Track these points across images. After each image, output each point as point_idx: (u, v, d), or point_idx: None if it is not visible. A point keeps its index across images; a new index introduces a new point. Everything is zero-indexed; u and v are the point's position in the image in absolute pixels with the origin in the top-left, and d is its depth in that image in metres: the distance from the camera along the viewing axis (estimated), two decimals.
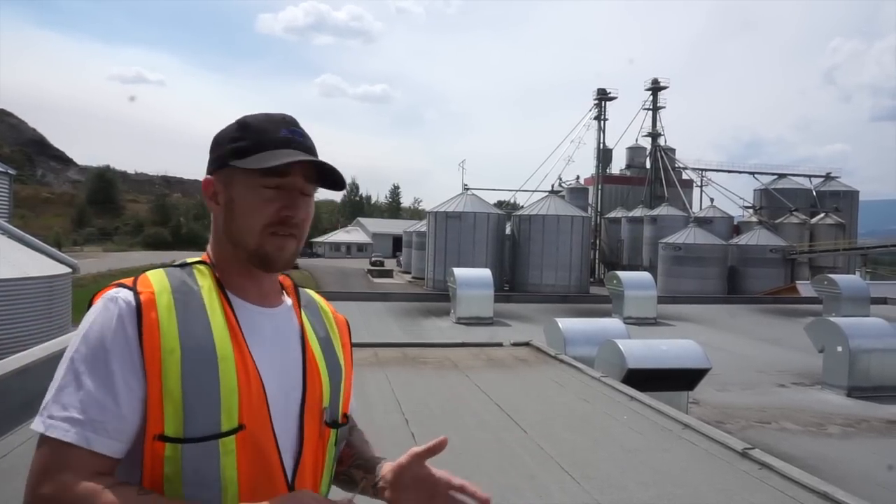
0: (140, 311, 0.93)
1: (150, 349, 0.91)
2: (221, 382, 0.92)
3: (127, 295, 0.95)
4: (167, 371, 0.90)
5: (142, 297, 0.94)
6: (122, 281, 0.99)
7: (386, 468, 1.11)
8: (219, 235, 1.05)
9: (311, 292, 1.22)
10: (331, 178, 1.04)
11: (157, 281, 0.98)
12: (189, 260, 1.06)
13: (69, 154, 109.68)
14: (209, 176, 1.05)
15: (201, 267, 1.04)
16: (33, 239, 10.93)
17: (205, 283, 1.01)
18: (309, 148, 1.03)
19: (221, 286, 1.02)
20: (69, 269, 10.52)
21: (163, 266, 1.04)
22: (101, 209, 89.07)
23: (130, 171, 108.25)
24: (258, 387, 0.96)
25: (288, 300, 1.10)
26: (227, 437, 0.91)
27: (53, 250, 11.29)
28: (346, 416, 1.12)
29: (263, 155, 0.99)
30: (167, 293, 0.96)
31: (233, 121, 1.07)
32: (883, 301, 20.40)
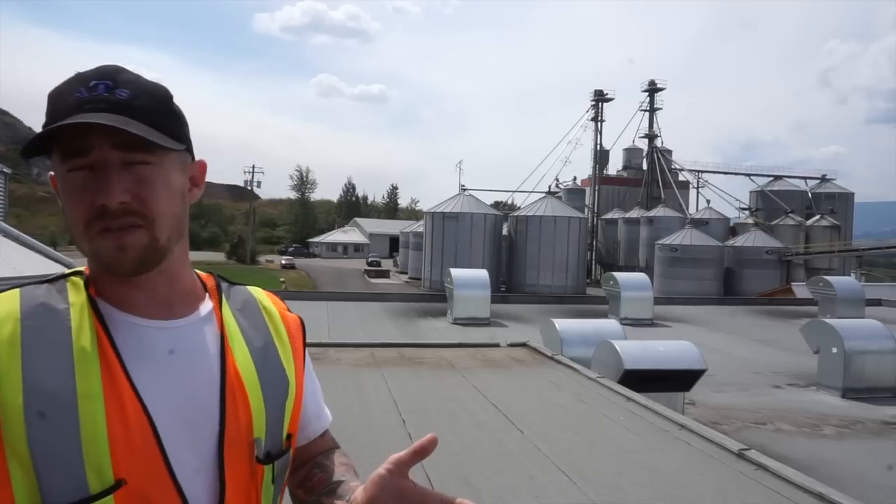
0: None
1: None
2: (83, 429, 0.70)
3: None
4: (8, 425, 0.69)
5: None
6: None
7: (358, 489, 0.83)
8: None
9: (254, 289, 0.97)
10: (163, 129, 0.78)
11: (1, 307, 0.75)
12: (67, 271, 0.83)
13: None
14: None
15: (76, 279, 0.81)
16: (29, 238, 10.91)
17: (77, 299, 0.78)
18: (119, 103, 0.75)
19: (93, 301, 0.78)
20: (65, 269, 10.49)
21: (33, 282, 0.81)
22: None
23: None
24: (142, 427, 0.73)
25: (207, 305, 0.87)
26: (101, 499, 0.70)
27: (49, 249, 11.27)
28: (289, 437, 0.88)
29: (42, 132, 0.75)
30: (12, 322, 0.73)
31: None
32: (878, 303, 20.51)
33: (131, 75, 0.80)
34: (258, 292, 0.96)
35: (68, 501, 0.69)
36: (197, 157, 0.89)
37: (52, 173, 0.80)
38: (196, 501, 0.76)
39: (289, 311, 0.98)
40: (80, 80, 0.77)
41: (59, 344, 0.73)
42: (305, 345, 0.98)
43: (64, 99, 0.76)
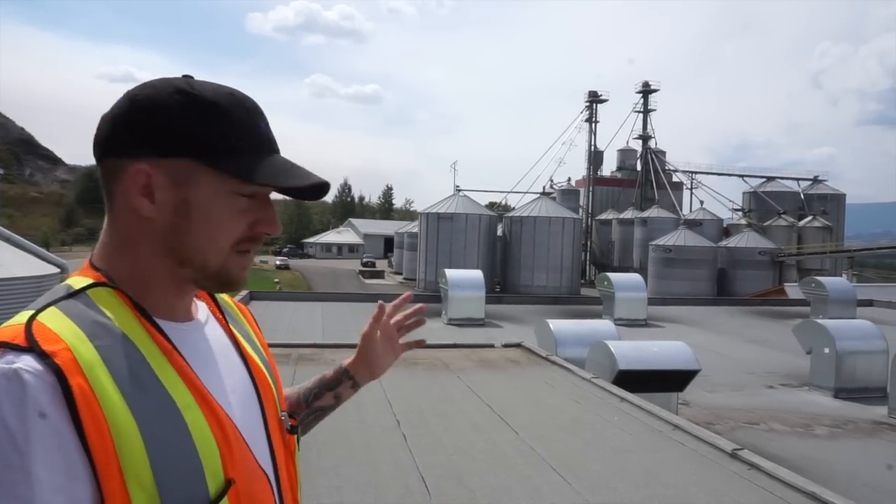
0: (65, 381, 0.64)
1: (94, 429, 0.64)
2: (196, 438, 0.71)
3: (30, 362, 0.64)
4: (124, 450, 0.65)
5: (58, 360, 0.64)
6: (4, 338, 0.66)
7: (350, 360, 1.17)
8: (141, 246, 0.77)
9: None
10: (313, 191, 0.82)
11: (61, 328, 0.68)
12: (75, 285, 0.75)
13: (57, 153, 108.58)
14: (141, 163, 0.75)
15: (100, 291, 0.75)
16: (21, 239, 10.83)
17: (116, 312, 0.73)
18: (275, 143, 0.83)
19: (143, 313, 0.76)
20: (57, 270, 10.43)
21: (57, 299, 0.73)
22: (90, 209, 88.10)
23: None
24: (232, 427, 0.76)
25: (202, 303, 0.90)
26: (219, 502, 0.72)
27: (41, 250, 11.19)
28: (292, 415, 1.00)
29: (251, 159, 0.76)
30: (84, 343, 0.67)
31: (164, 82, 0.77)
32: (869, 303, 20.64)
33: None
34: None
35: None
36: None
37: (139, 163, 0.75)
38: (273, 481, 0.84)
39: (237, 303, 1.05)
40: (251, 109, 0.80)
41: (134, 359, 0.71)
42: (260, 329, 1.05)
43: (248, 129, 0.78)
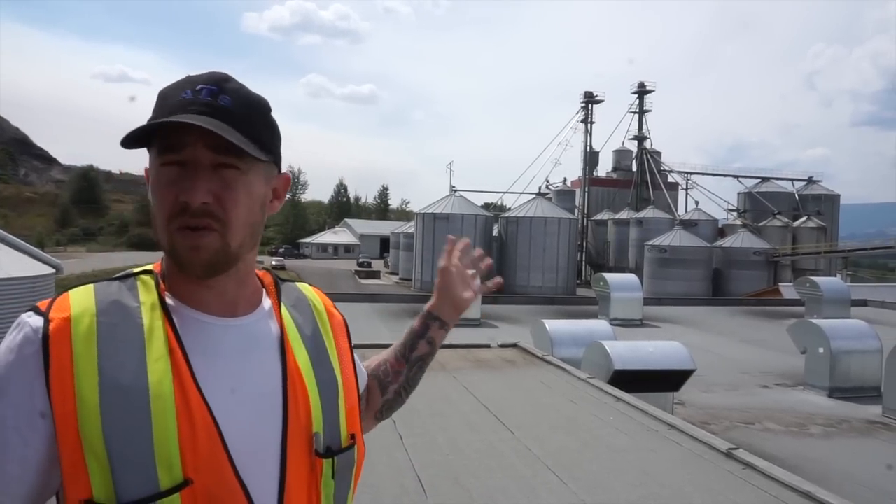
0: (47, 344, 0.72)
1: (60, 393, 0.71)
2: (155, 427, 0.72)
3: (36, 321, 0.75)
4: (84, 420, 0.71)
5: (51, 326, 0.73)
6: (47, 301, 0.78)
7: (430, 302, 1.17)
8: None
9: (304, 286, 1.01)
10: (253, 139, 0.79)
11: (78, 301, 0.77)
12: (135, 269, 0.84)
13: (52, 153, 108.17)
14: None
15: (146, 278, 0.82)
16: (15, 239, 10.78)
17: (148, 298, 0.79)
18: (220, 108, 0.78)
19: (163, 301, 0.80)
20: (52, 270, 10.39)
21: (104, 279, 0.82)
22: (85, 209, 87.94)
23: (115, 170, 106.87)
24: (207, 427, 0.75)
25: (266, 302, 0.90)
26: (169, 496, 0.72)
27: (36, 250, 11.14)
28: (352, 437, 0.91)
29: (146, 125, 0.77)
30: (89, 317, 0.75)
31: None
32: (863, 303, 20.74)
33: (236, 84, 0.82)
34: (308, 290, 1.00)
35: (140, 496, 0.71)
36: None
37: (146, 166, 0.82)
38: (260, 497, 0.78)
39: (334, 307, 1.02)
40: (188, 82, 0.80)
41: (132, 341, 0.75)
42: (351, 344, 1.01)
43: (170, 98, 0.79)
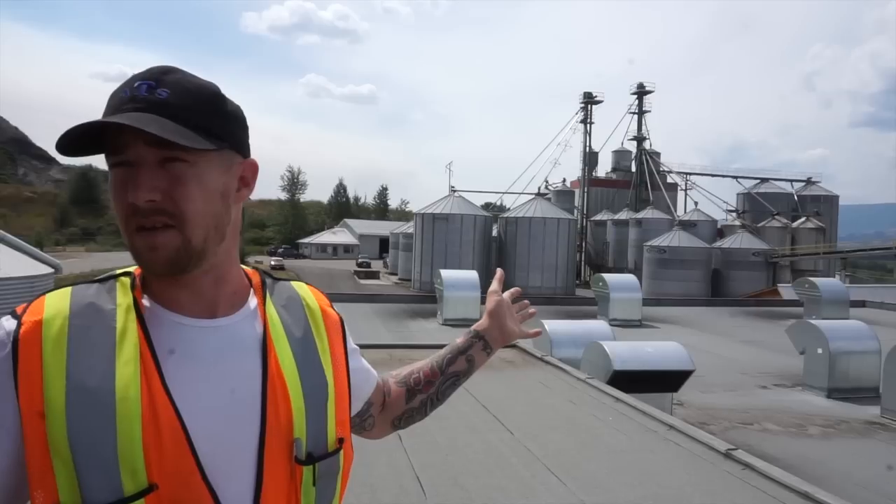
0: (17, 348, 0.73)
1: (27, 395, 0.72)
2: (119, 431, 0.71)
3: (10, 325, 0.75)
4: (52, 423, 0.71)
5: (22, 329, 0.74)
6: (25, 304, 0.79)
7: (479, 323, 1.20)
8: None
9: (299, 285, 0.97)
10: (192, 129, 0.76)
11: (52, 304, 0.77)
12: (118, 271, 0.83)
13: (51, 153, 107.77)
14: None
15: (124, 279, 0.81)
16: (14, 239, 10.78)
17: (123, 300, 0.79)
18: (156, 102, 0.75)
19: (136, 303, 0.79)
20: (51, 270, 10.39)
21: (84, 282, 0.82)
22: (84, 209, 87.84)
23: None
24: (174, 431, 0.73)
25: (252, 302, 0.87)
26: (134, 501, 0.71)
27: (35, 250, 11.15)
28: (340, 440, 0.87)
29: (69, 130, 0.74)
30: (61, 319, 0.75)
31: None
32: (862, 304, 20.76)
33: (179, 75, 0.79)
34: (302, 288, 0.96)
35: (105, 501, 0.70)
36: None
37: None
38: (230, 501, 0.76)
39: (331, 307, 0.97)
40: (129, 80, 0.78)
41: (102, 344, 0.75)
42: (346, 344, 0.97)
43: (112, 98, 0.77)
